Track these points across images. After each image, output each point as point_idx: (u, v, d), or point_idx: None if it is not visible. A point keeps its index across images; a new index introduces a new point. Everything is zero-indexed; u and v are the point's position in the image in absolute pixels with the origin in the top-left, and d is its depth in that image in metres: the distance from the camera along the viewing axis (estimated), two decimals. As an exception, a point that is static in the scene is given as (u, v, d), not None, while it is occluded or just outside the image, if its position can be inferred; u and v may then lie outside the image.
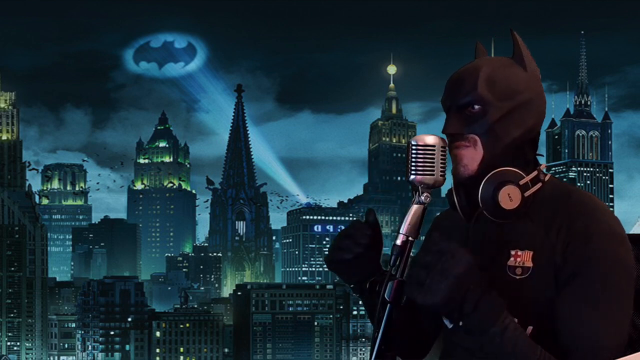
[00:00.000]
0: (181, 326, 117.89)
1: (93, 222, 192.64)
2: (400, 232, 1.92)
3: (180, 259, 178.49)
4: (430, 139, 1.91)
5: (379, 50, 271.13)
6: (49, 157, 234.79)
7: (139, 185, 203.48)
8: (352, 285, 2.17)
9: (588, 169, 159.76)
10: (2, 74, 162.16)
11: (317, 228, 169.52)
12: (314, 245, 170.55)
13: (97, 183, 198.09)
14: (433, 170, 1.91)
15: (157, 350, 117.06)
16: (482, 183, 1.99)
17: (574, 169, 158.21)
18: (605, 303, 1.91)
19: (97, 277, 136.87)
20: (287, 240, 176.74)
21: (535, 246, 1.99)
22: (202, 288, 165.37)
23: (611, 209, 2.07)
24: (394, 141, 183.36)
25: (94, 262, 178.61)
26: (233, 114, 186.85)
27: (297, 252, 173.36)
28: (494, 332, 1.86)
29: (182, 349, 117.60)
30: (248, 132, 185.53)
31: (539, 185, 2.04)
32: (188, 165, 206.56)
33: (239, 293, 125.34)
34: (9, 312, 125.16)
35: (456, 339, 2.09)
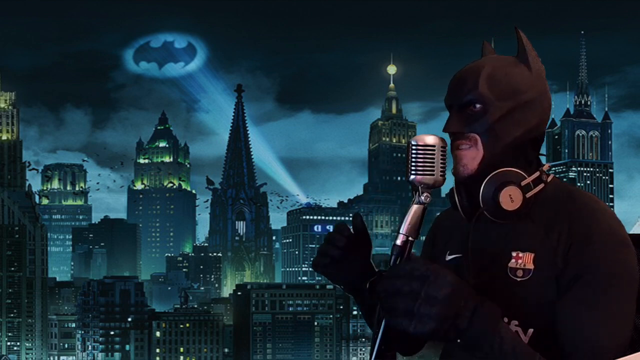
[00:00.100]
0: (181, 326, 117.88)
1: (93, 222, 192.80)
2: (400, 232, 1.91)
3: (180, 259, 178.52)
4: (430, 139, 1.90)
5: (379, 50, 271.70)
6: (49, 157, 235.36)
7: (139, 185, 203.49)
8: (341, 287, 2.20)
9: (588, 169, 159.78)
10: (2, 74, 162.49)
11: (317, 228, 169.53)
12: (314, 245, 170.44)
13: (97, 183, 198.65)
14: (433, 170, 1.90)
15: (157, 350, 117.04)
16: (484, 183, 1.98)
17: (574, 169, 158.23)
18: (607, 305, 1.90)
19: (97, 277, 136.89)
20: (287, 240, 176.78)
21: (537, 248, 1.97)
22: (202, 288, 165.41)
23: (611, 209, 2.00)
24: (394, 141, 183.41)
25: (94, 262, 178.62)
26: (233, 114, 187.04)
27: (297, 252, 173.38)
28: (492, 343, 1.82)
29: (182, 349, 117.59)
30: (248, 132, 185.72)
31: (541, 186, 2.02)
32: (188, 165, 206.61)
33: (239, 293, 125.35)
34: (9, 312, 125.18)
35: (459, 354, 2.06)
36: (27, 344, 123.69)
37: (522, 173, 2.00)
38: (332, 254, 2.14)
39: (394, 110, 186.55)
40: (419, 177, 1.90)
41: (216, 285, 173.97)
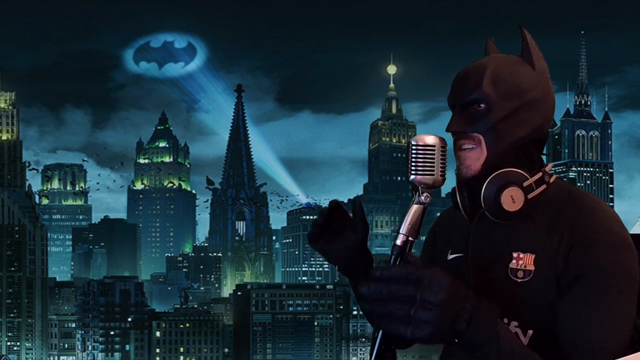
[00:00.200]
0: (181, 326, 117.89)
1: (93, 222, 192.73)
2: (400, 232, 1.90)
3: (180, 259, 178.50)
4: (430, 139, 1.89)
5: (379, 50, 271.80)
6: (49, 157, 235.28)
7: (139, 185, 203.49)
8: (336, 267, 2.24)
9: (588, 169, 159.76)
10: (2, 74, 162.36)
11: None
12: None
13: (97, 183, 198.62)
14: (433, 170, 1.89)
15: (157, 350, 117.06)
16: (485, 183, 1.97)
17: (574, 169, 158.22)
18: (608, 305, 1.89)
19: (97, 277, 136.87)
20: (287, 240, 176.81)
21: (538, 249, 1.96)
22: (202, 288, 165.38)
23: (613, 210, 2.00)
24: (394, 141, 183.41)
25: (94, 262, 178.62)
26: (233, 114, 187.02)
27: (297, 252, 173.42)
28: (490, 345, 1.80)
29: (182, 349, 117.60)
30: (248, 132, 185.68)
31: (543, 187, 2.00)
32: (188, 165, 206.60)
33: (239, 293, 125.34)
34: (9, 312, 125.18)
35: (458, 354, 2.06)
36: (27, 344, 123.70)
37: (525, 174, 1.98)
38: (318, 222, 2.16)
39: (394, 110, 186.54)
40: (419, 177, 1.89)
41: (216, 285, 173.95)
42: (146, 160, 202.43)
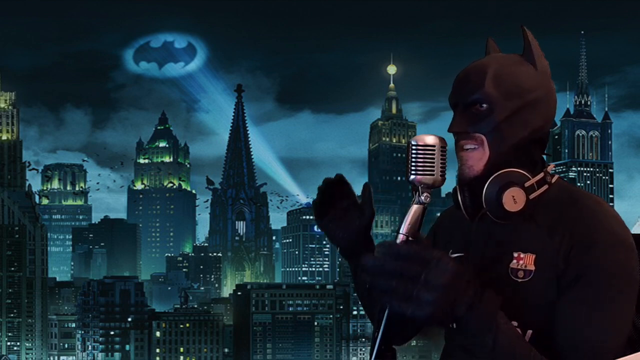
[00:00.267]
0: (181, 326, 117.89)
1: (93, 222, 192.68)
2: (400, 232, 1.90)
3: (180, 259, 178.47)
4: (430, 139, 1.89)
5: (379, 50, 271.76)
6: (49, 157, 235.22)
7: (139, 185, 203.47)
8: (337, 248, 2.23)
9: (588, 169, 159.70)
10: (2, 74, 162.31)
11: (317, 228, 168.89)
12: (314, 245, 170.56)
13: (97, 183, 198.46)
14: (433, 170, 1.89)
15: (157, 350, 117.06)
16: (487, 184, 1.97)
17: (574, 169, 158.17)
18: (607, 305, 1.89)
19: (97, 277, 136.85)
20: (287, 240, 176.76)
21: (538, 249, 1.96)
22: (202, 288, 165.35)
23: (615, 211, 2.01)
24: (394, 141, 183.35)
25: (94, 262, 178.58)
26: (233, 114, 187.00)
27: (297, 252, 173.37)
28: (488, 333, 1.83)
29: (182, 349, 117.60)
30: (248, 132, 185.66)
31: (545, 187, 2.00)
32: (188, 165, 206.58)
33: (239, 293, 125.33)
34: (9, 312, 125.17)
35: (457, 339, 2.09)
36: (27, 344, 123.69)
37: (526, 174, 1.98)
38: (321, 189, 2.18)
39: (394, 110, 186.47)
40: (419, 177, 1.89)
41: (216, 285, 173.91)
42: (146, 160, 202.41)
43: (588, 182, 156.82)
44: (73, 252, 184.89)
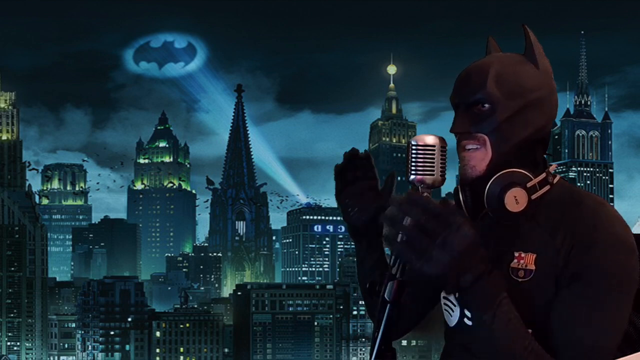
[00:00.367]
0: (181, 326, 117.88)
1: (93, 222, 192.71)
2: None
3: (180, 259, 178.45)
4: (430, 139, 1.89)
5: (379, 50, 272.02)
6: (49, 157, 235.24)
7: (139, 185, 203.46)
8: (348, 227, 2.24)
9: (588, 169, 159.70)
10: (2, 74, 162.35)
11: (317, 228, 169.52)
12: (314, 245, 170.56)
13: (97, 183, 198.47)
14: (433, 170, 1.89)
15: (157, 350, 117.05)
16: (489, 184, 1.97)
17: (574, 169, 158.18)
18: (605, 305, 1.90)
19: (97, 277, 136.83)
20: (287, 240, 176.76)
21: (539, 249, 1.97)
22: (202, 288, 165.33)
23: (617, 211, 2.01)
24: (394, 141, 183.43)
25: (94, 262, 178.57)
26: (233, 114, 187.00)
27: (297, 252, 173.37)
28: (488, 310, 1.84)
29: (182, 349, 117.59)
30: (248, 132, 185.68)
31: (547, 187, 2.00)
32: (188, 165, 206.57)
33: (239, 293, 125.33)
34: (9, 312, 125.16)
35: (457, 338, 2.09)
36: (27, 344, 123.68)
37: (528, 174, 1.98)
38: (346, 156, 2.22)
39: (394, 110, 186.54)
40: (418, 177, 1.89)
41: (216, 285, 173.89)
42: (146, 160, 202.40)
43: (588, 182, 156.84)
44: (73, 252, 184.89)
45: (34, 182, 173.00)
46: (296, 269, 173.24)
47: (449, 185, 2.06)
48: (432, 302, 2.25)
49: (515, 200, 1.94)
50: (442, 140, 1.90)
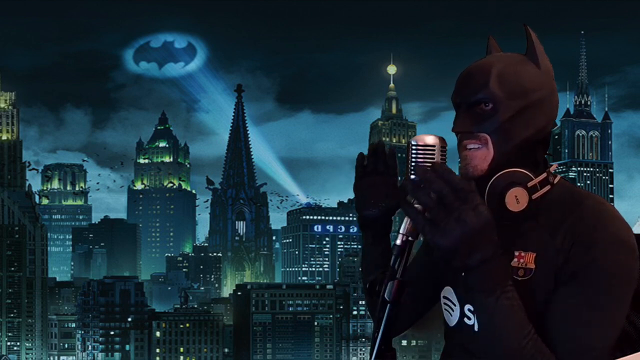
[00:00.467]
0: (181, 326, 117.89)
1: (93, 222, 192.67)
2: (400, 232, 1.91)
3: (180, 259, 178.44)
4: (430, 139, 1.89)
5: (379, 50, 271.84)
6: (49, 157, 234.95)
7: (139, 185, 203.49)
8: (359, 217, 2.26)
9: (588, 169, 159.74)
10: (2, 74, 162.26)
11: (317, 228, 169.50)
12: (314, 245, 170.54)
13: (97, 183, 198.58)
14: None
15: (157, 350, 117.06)
16: (490, 183, 1.97)
17: (574, 169, 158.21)
18: (602, 305, 1.90)
19: (97, 277, 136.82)
20: (287, 240, 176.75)
21: (539, 248, 1.97)
22: (202, 288, 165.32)
23: (618, 211, 2.00)
24: (394, 141, 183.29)
25: (94, 262, 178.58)
26: (233, 114, 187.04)
27: (297, 252, 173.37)
28: (492, 293, 1.84)
29: (182, 349, 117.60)
30: (248, 132, 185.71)
31: (548, 187, 2.01)
32: (188, 165, 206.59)
33: (239, 293, 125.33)
34: (9, 312, 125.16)
35: (457, 338, 2.10)
36: (27, 344, 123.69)
37: (529, 174, 1.98)
38: (372, 147, 2.28)
39: (394, 110, 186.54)
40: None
41: (216, 285, 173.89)
42: (146, 160, 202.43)
43: (588, 182, 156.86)
44: (73, 252, 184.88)
45: (34, 182, 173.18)
46: (296, 269, 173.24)
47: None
48: (432, 302, 2.26)
49: (516, 199, 1.95)
50: (442, 140, 1.90)
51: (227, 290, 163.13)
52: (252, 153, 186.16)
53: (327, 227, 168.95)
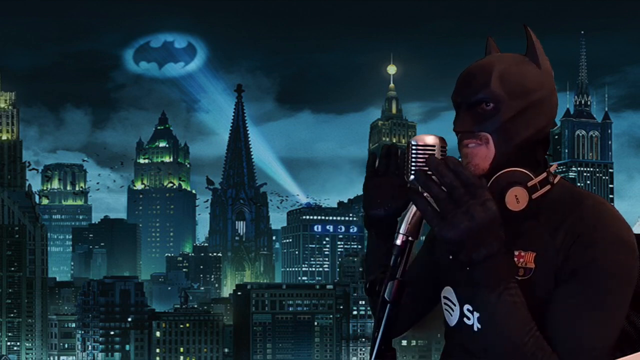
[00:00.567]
0: (181, 326, 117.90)
1: (93, 222, 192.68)
2: (400, 232, 1.91)
3: (180, 259, 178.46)
4: (430, 139, 1.90)
5: (379, 50, 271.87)
6: (49, 157, 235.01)
7: (139, 185, 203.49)
8: (364, 215, 2.25)
9: (588, 169, 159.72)
10: (2, 74, 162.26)
11: (317, 228, 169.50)
12: (314, 245, 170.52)
13: (97, 183, 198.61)
14: None
15: (157, 350, 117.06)
16: (490, 182, 1.97)
17: (574, 169, 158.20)
18: (601, 305, 1.90)
19: (97, 277, 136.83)
20: (287, 240, 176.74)
21: (539, 248, 1.98)
22: (202, 288, 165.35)
23: (619, 211, 2.01)
24: (394, 141, 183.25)
25: (94, 262, 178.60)
26: (233, 114, 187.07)
27: (297, 252, 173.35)
28: (495, 288, 1.85)
29: (182, 349, 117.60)
30: (248, 132, 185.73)
31: (548, 187, 2.02)
32: (188, 165, 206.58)
33: (239, 293, 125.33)
34: (9, 312, 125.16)
35: (457, 338, 2.10)
36: (27, 344, 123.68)
37: (529, 173, 1.99)
38: (386, 147, 2.25)
39: (394, 110, 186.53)
40: None
41: (216, 285, 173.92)
42: (146, 160, 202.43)
43: (588, 182, 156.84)
44: (73, 252, 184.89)
45: (34, 182, 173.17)
46: (296, 269, 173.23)
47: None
48: (432, 302, 2.26)
49: (516, 199, 1.95)
50: (442, 140, 1.91)
51: (227, 290, 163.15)
52: (252, 153, 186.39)
53: (327, 227, 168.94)
